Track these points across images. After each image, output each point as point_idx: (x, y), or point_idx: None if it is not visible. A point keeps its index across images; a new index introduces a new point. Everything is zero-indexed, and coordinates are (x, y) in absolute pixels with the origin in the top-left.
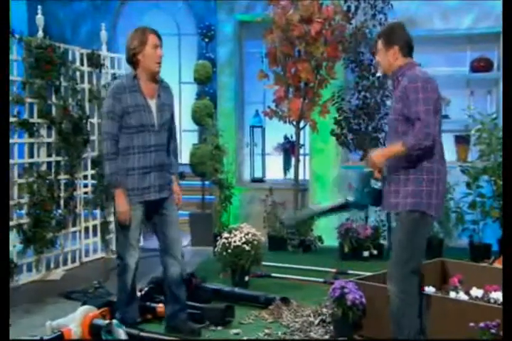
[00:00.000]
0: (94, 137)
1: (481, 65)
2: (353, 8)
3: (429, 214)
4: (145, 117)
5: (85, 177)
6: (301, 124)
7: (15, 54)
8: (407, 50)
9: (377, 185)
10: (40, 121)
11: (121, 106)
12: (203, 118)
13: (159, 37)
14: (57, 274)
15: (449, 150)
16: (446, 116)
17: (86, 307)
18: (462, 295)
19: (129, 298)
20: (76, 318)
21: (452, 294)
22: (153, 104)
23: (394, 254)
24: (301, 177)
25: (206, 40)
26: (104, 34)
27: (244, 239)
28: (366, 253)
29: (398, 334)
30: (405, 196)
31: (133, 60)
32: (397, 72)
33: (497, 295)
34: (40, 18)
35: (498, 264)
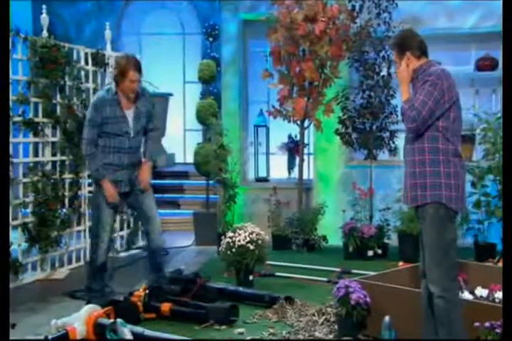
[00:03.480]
0: None
1: (486, 64)
2: (357, 7)
3: (450, 208)
4: (122, 126)
5: (90, 176)
6: (306, 123)
7: (20, 53)
8: (420, 52)
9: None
10: (44, 120)
11: (101, 117)
12: (207, 117)
13: (140, 70)
14: (61, 273)
15: None
16: None
17: (90, 306)
18: (467, 295)
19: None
20: (81, 317)
21: None
22: (130, 114)
23: (427, 255)
24: (305, 176)
25: (210, 39)
26: (108, 33)
27: (248, 239)
28: (370, 253)
29: (446, 336)
30: (424, 189)
31: (115, 81)
32: (417, 71)
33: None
34: (44, 18)
35: None
